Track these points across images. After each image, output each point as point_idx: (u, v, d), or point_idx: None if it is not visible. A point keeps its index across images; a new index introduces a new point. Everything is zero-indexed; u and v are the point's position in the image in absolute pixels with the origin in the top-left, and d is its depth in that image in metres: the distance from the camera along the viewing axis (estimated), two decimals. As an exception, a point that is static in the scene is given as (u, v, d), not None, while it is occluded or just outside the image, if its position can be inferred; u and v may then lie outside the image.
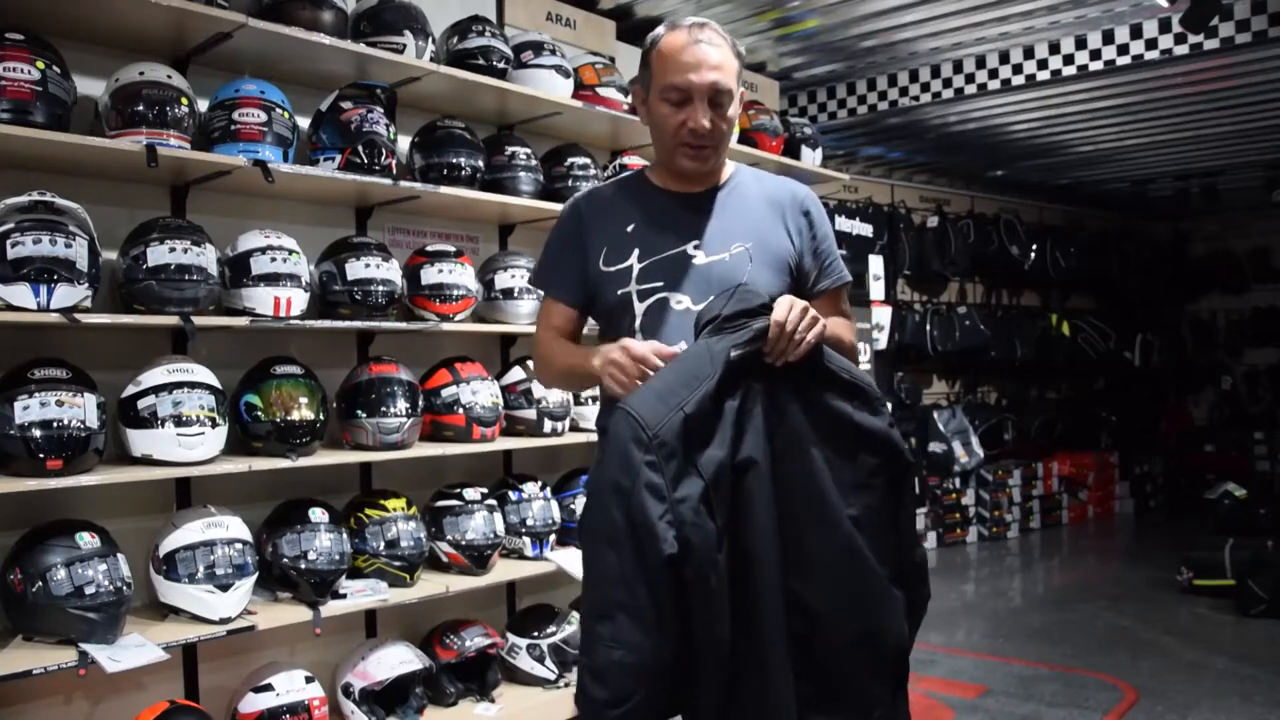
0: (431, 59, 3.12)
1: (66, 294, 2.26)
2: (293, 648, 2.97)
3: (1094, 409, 8.79)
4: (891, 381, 6.33)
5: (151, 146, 2.42)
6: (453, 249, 3.21)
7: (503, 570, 3.22)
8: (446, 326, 3.13)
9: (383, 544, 2.89)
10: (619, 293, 1.78)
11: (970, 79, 5.25)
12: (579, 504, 3.49)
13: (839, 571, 1.54)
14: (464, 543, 3.08)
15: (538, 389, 3.33)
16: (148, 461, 2.46)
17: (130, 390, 2.48)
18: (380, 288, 2.91)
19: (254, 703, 2.63)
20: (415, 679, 2.94)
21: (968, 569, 6.54)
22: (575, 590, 3.56)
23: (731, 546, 1.50)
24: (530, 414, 3.32)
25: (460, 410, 3.10)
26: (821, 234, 1.85)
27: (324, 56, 2.89)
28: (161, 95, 2.51)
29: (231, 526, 2.58)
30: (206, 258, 2.54)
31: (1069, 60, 4.90)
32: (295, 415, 2.69)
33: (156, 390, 2.46)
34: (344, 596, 2.77)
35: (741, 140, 4.20)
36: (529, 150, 3.43)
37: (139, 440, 2.45)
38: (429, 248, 3.21)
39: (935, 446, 7.09)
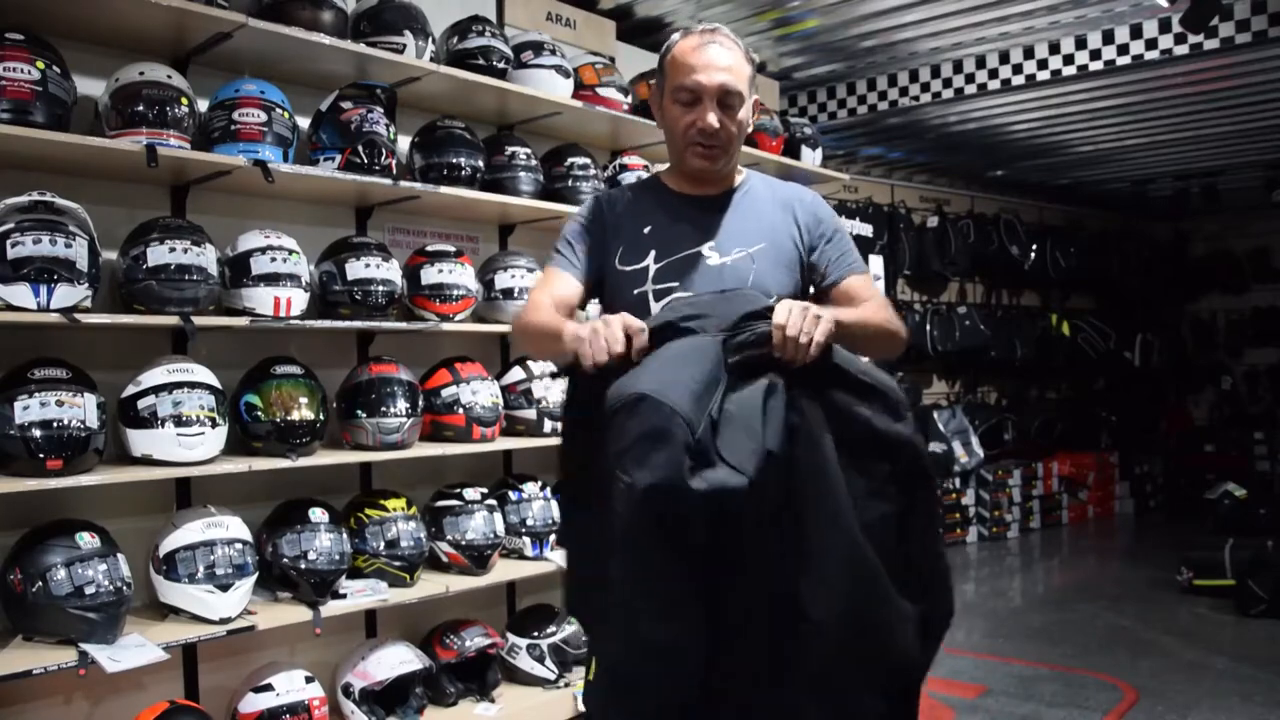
0: (431, 59, 3.12)
1: (66, 294, 2.26)
2: (293, 648, 2.97)
3: (1094, 409, 8.78)
4: (891, 381, 6.34)
5: (151, 146, 2.42)
6: (453, 249, 3.21)
7: (503, 570, 3.22)
8: (446, 326, 3.13)
9: (383, 544, 2.89)
10: (635, 292, 1.80)
11: (970, 79, 5.25)
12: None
13: (842, 578, 1.50)
14: (464, 543, 3.07)
15: (538, 389, 3.33)
16: (148, 461, 2.46)
17: (130, 390, 2.48)
18: (380, 288, 2.91)
19: (254, 703, 2.63)
20: (415, 679, 2.94)
21: (968, 569, 6.54)
22: (575, 590, 3.56)
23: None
24: (530, 414, 3.32)
25: (460, 410, 3.10)
26: (833, 231, 1.87)
27: (324, 56, 2.89)
28: (161, 95, 2.51)
29: (231, 526, 2.58)
30: (206, 258, 2.54)
31: (1069, 60, 4.90)
32: (295, 415, 2.69)
33: (156, 390, 2.46)
34: (344, 596, 2.77)
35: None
36: (529, 150, 3.43)
37: (139, 440, 2.45)
38: (429, 248, 3.21)
39: (935, 446, 7.09)
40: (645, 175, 3.80)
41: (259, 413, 2.67)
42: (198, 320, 2.51)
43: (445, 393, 3.13)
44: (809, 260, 1.84)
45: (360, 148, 2.88)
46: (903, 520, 1.56)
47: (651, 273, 1.78)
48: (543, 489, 3.40)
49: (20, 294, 2.21)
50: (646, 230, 1.82)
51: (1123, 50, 4.73)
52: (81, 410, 2.29)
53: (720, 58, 1.74)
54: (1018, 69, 5.08)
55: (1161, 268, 9.26)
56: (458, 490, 3.18)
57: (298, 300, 2.71)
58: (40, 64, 2.30)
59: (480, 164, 3.24)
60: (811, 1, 4.42)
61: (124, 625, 2.36)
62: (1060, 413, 8.68)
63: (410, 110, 3.29)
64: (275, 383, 2.71)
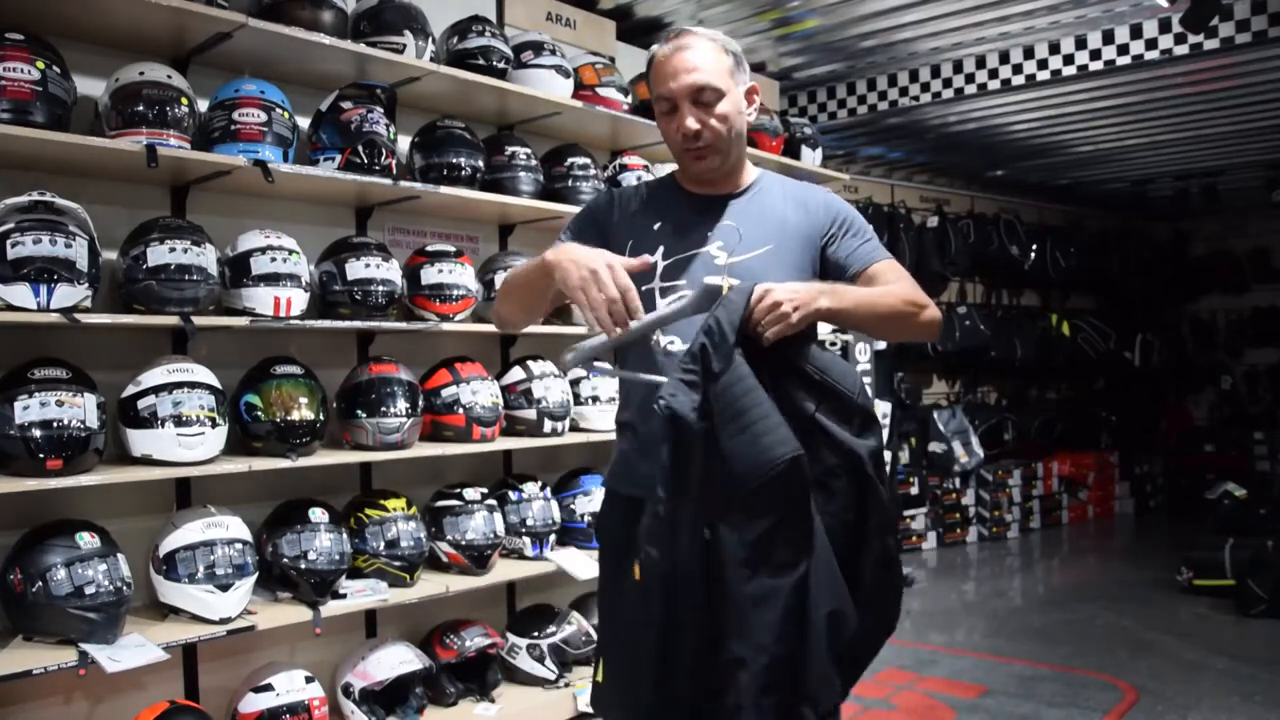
0: (431, 59, 3.12)
1: (66, 294, 2.26)
2: (293, 648, 2.97)
3: (1094, 409, 8.78)
4: (892, 381, 6.33)
5: (151, 146, 2.42)
6: (453, 249, 3.21)
7: (503, 570, 3.22)
8: (446, 326, 3.13)
9: (383, 544, 2.89)
10: (643, 288, 1.79)
11: (970, 79, 5.25)
12: (579, 504, 3.50)
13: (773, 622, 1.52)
14: (464, 543, 3.07)
15: (538, 389, 3.33)
16: (148, 461, 2.46)
17: (130, 390, 2.48)
18: (380, 288, 2.91)
19: (254, 703, 2.63)
20: (415, 679, 2.94)
21: (968, 569, 6.54)
22: (575, 590, 3.57)
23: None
24: (530, 414, 3.32)
25: (460, 410, 3.10)
26: (849, 223, 1.84)
27: (324, 56, 2.89)
28: (161, 95, 2.51)
29: (231, 526, 2.58)
30: (206, 258, 2.54)
31: (1069, 60, 4.90)
32: (295, 415, 2.69)
33: (156, 390, 2.46)
34: (344, 596, 2.77)
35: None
36: (529, 150, 3.43)
37: (139, 440, 2.45)
38: (429, 248, 3.21)
39: (935, 446, 7.08)
40: (646, 175, 3.81)
41: (259, 413, 2.67)
42: (198, 320, 2.51)
43: (445, 393, 3.13)
44: (828, 255, 1.82)
45: (360, 148, 2.88)
46: (855, 528, 1.59)
47: (660, 269, 1.79)
48: (542, 489, 3.40)
49: (20, 294, 2.21)
50: (657, 227, 1.83)
51: (1123, 50, 4.72)
52: (81, 410, 2.29)
53: (689, 59, 1.73)
54: (1018, 69, 5.08)
55: (1161, 268, 9.26)
56: (458, 490, 3.18)
57: (298, 300, 2.71)
58: (40, 64, 2.31)
59: (480, 164, 3.24)
60: (811, 1, 4.42)
61: (124, 625, 2.36)
62: (1060, 413, 8.68)
63: (410, 110, 3.29)
64: (275, 383, 2.71)
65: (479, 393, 3.14)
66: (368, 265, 2.91)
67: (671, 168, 1.92)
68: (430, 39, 3.10)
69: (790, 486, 1.50)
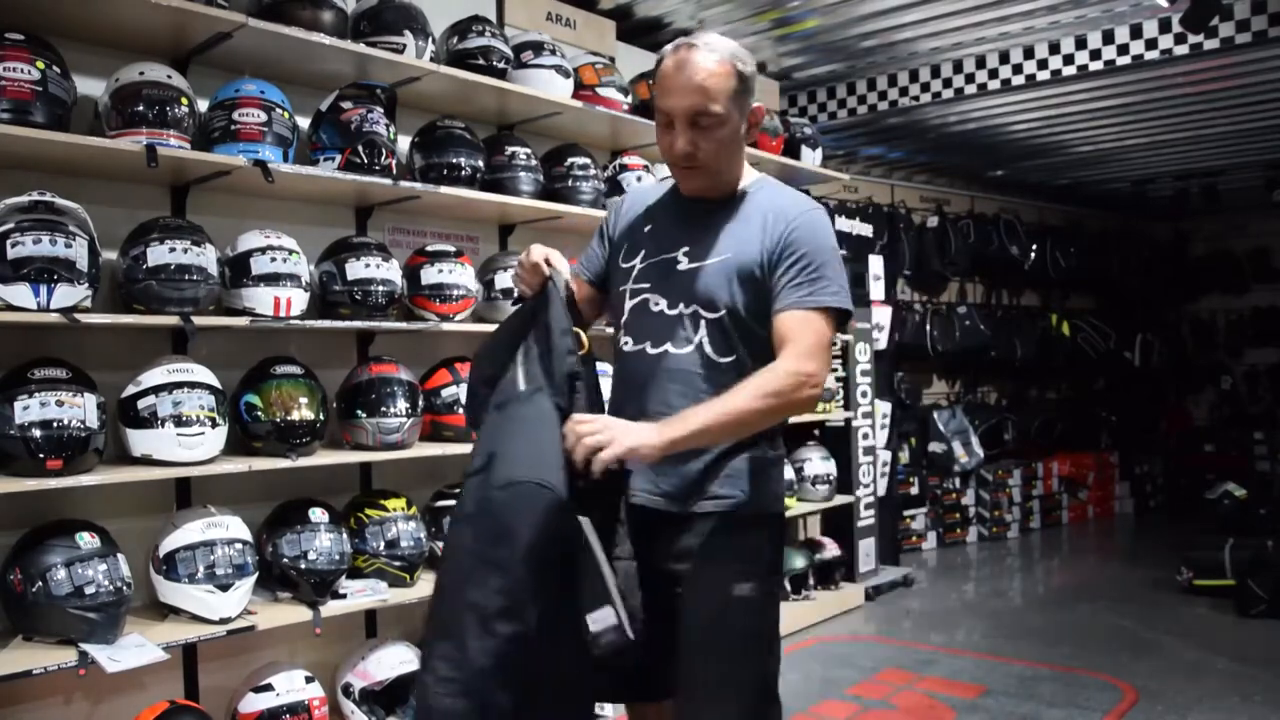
0: (431, 59, 3.12)
1: (66, 294, 2.26)
2: (293, 648, 2.97)
3: (1094, 409, 8.77)
4: (892, 381, 6.32)
5: (151, 146, 2.42)
6: (453, 249, 3.21)
7: (503, 570, 3.21)
8: (446, 326, 3.13)
9: (383, 544, 2.89)
10: (620, 289, 1.85)
11: (970, 79, 5.25)
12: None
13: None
14: (464, 543, 3.07)
15: (538, 389, 3.32)
16: (148, 461, 2.46)
17: (130, 390, 2.48)
18: (380, 288, 2.91)
19: (254, 703, 2.63)
20: (415, 679, 2.93)
21: (968, 569, 6.54)
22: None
23: None
24: (530, 414, 3.31)
25: (460, 410, 3.10)
26: (799, 254, 1.71)
27: (324, 56, 2.90)
28: (161, 95, 2.51)
29: (231, 526, 2.58)
30: (206, 258, 2.54)
31: (1069, 60, 4.90)
32: (295, 415, 2.69)
33: (156, 390, 2.46)
34: (344, 596, 2.77)
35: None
36: (529, 150, 3.43)
37: (139, 440, 2.45)
38: (429, 248, 3.21)
39: (935, 446, 7.08)
40: (647, 175, 3.80)
41: (259, 413, 2.67)
42: (198, 320, 2.51)
43: (445, 393, 3.13)
44: (770, 281, 1.73)
45: (360, 148, 2.88)
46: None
47: (634, 273, 1.82)
48: (543, 489, 3.39)
49: (20, 294, 2.21)
50: (648, 229, 1.86)
51: (1123, 50, 4.72)
52: (81, 410, 2.30)
53: (694, 78, 1.68)
54: (1018, 69, 5.08)
55: (1161, 268, 9.26)
56: (458, 490, 3.17)
57: (298, 300, 2.71)
58: (40, 64, 2.31)
59: (480, 164, 3.24)
60: (811, 1, 4.42)
61: (124, 625, 2.37)
62: (1060, 413, 8.68)
63: (410, 110, 3.29)
64: (275, 383, 2.71)
65: (479, 393, 3.14)
66: (368, 265, 2.91)
67: None
68: (430, 39, 3.10)
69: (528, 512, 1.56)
